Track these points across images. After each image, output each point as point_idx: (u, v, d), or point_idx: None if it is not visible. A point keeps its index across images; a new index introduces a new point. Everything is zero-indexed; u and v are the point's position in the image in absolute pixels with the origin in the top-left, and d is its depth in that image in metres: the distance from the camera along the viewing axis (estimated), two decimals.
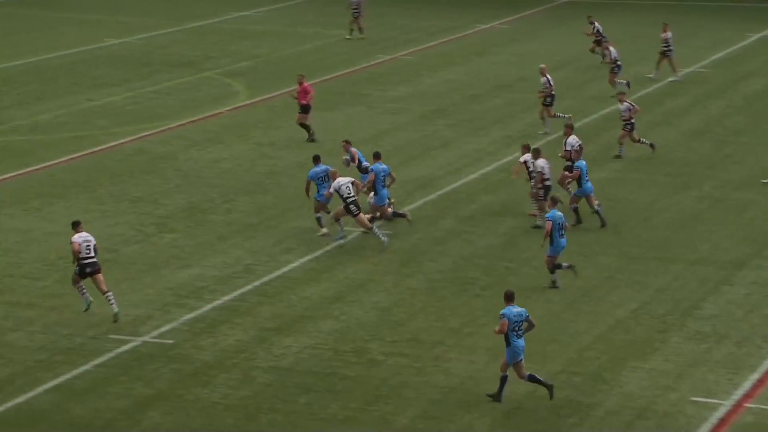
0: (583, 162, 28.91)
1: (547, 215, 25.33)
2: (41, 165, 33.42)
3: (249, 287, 25.25)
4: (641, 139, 34.48)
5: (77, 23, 54.36)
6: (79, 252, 23.22)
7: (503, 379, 20.28)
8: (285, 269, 26.28)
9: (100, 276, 23.39)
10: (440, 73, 45.58)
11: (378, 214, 28.27)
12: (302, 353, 22.24)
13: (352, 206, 27.11)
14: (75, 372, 21.29)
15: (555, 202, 25.50)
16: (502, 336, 20.09)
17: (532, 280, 25.76)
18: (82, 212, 29.48)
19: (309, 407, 20.27)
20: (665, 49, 43.12)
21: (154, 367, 21.59)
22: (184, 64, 46.19)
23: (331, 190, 27.41)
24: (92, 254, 23.34)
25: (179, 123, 37.68)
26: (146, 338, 22.70)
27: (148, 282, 25.43)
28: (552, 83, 36.34)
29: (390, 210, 28.68)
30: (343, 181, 27.29)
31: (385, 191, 28.17)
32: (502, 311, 20.25)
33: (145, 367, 21.59)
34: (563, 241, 24.98)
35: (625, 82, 41.06)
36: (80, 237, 23.37)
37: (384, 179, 28.06)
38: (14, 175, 32.42)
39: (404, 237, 28.28)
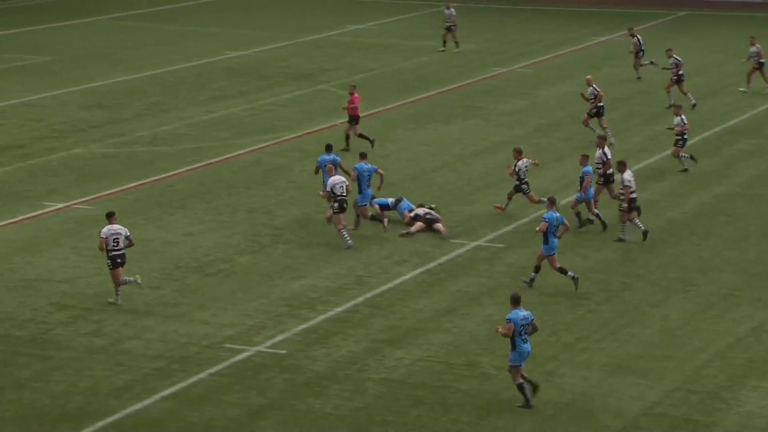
0: (590, 168, 29.13)
1: (544, 216, 25.67)
2: (161, 176, 34.00)
3: (361, 299, 25.34)
4: (684, 154, 33.83)
5: (199, 36, 55.24)
6: (107, 245, 24.28)
7: (520, 387, 20.32)
8: (397, 281, 26.32)
9: (121, 269, 24.46)
10: (557, 86, 45.29)
11: (358, 213, 29.10)
12: (414, 365, 22.23)
13: (336, 204, 27.95)
14: (190, 380, 21.58)
15: (552, 202, 25.88)
16: (601, 350, 19.85)
17: (648, 295, 25.41)
18: (199, 222, 29.93)
19: (420, 420, 20.26)
20: (758, 62, 42.48)
21: (268, 376, 21.78)
22: (300, 77, 46.64)
23: (328, 188, 28.16)
24: (120, 246, 24.36)
25: (295, 135, 38.02)
26: (260, 348, 22.92)
27: (262, 292, 25.68)
28: (599, 93, 36.31)
29: (371, 212, 29.31)
30: (337, 180, 28.13)
31: (368, 191, 28.99)
32: (509, 315, 20.38)
33: (259, 376, 21.79)
34: (556, 240, 25.49)
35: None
36: (109, 230, 24.45)
37: (369, 178, 28.94)
38: (136, 186, 33.03)
39: (517, 250, 28.13)
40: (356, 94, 36.54)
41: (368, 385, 21.51)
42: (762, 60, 42.60)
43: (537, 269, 25.79)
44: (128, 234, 24.69)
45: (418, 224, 29.21)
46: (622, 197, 28.63)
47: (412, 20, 60.12)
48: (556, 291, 25.72)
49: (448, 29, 51.24)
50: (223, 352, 22.71)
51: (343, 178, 28.56)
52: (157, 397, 20.95)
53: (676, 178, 33.83)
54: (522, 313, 20.39)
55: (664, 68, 42.13)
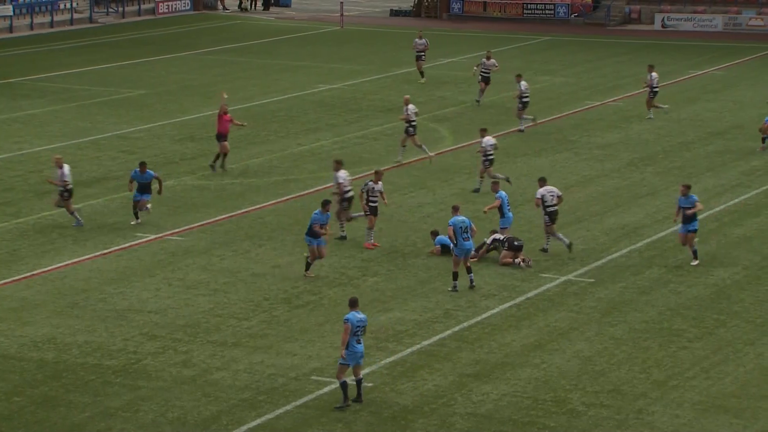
0: (504, 193, 29.90)
1: (449, 221, 27.12)
2: (251, 208, 34.20)
3: (448, 332, 25.16)
4: None
5: (290, 70, 55.68)
6: None
7: (343, 386, 21.29)
8: (485, 315, 26.10)
9: None
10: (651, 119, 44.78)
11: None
12: (501, 401, 21.97)
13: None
14: (277, 412, 21.56)
15: (456, 209, 27.52)
16: (693, 388, 19.46)
17: (743, 333, 24.88)
18: (288, 254, 30.01)
19: None
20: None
21: (354, 409, 21.67)
22: (390, 110, 46.71)
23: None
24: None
25: (384, 167, 38.03)
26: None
27: None
28: None
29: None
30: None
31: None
32: (346, 316, 21.22)
33: (345, 409, 21.67)
34: (468, 243, 26.92)
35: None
36: None
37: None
38: (226, 218, 33.25)
39: (608, 285, 27.76)
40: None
41: (454, 419, 21.29)
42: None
43: (455, 275, 27.05)
44: None
45: (505, 253, 28.94)
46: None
47: (505, 54, 59.99)
48: (647, 327, 25.29)
49: (418, 58, 51.53)
50: (310, 384, 22.66)
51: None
52: (243, 428, 20.95)
53: None
54: (359, 315, 21.29)
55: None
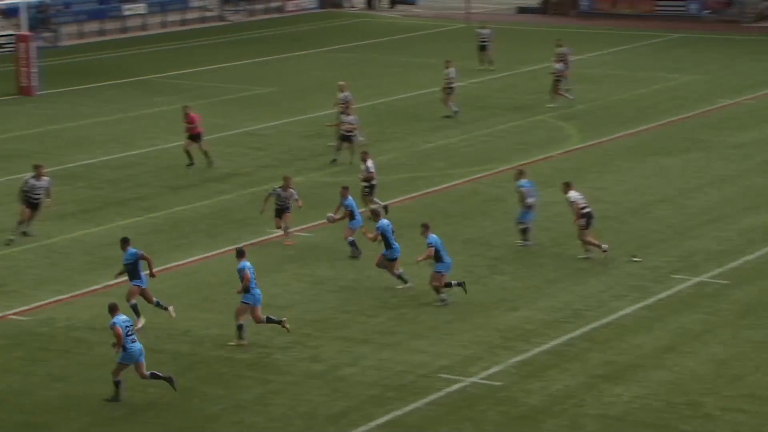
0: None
1: (377, 225, 27.16)
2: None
3: (578, 332, 24.91)
4: None
5: (418, 67, 55.68)
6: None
7: (117, 384, 21.59)
8: (615, 316, 25.78)
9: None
10: None
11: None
12: (633, 403, 21.67)
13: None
14: (406, 409, 21.58)
15: (376, 214, 27.80)
16: None
17: None
18: (416, 252, 29.99)
19: None
20: None
21: (482, 408, 21.60)
22: (517, 108, 46.46)
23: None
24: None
25: (511, 166, 37.81)
26: (475, 379, 22.76)
27: (478, 323, 25.54)
28: None
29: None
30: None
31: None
32: (112, 321, 21.58)
33: (474, 407, 21.63)
34: (397, 246, 27.10)
35: None
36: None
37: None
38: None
39: (744, 287, 27.20)
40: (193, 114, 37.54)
41: (585, 421, 21.07)
42: None
43: (399, 276, 27.00)
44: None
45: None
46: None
47: (632, 51, 59.24)
48: None
49: (483, 48, 53.13)
50: (438, 381, 22.64)
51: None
52: (372, 424, 21.02)
53: None
54: (122, 317, 21.77)
55: None
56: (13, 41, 51.73)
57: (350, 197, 30.04)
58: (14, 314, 25.71)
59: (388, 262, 27.30)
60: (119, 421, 21.05)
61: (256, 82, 52.31)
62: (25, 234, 30.56)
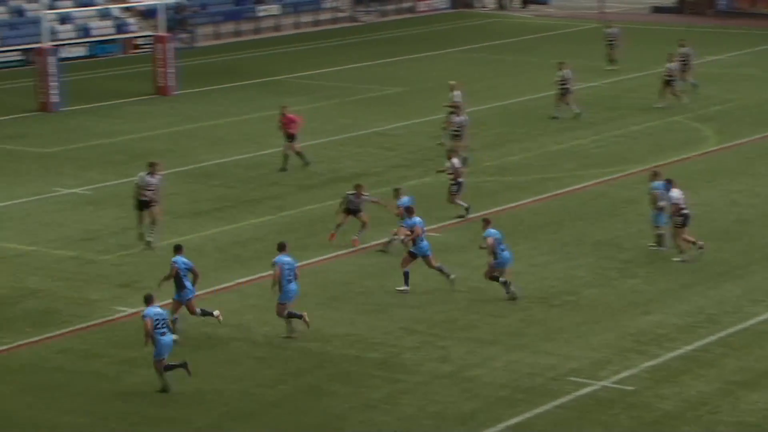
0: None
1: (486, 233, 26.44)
2: (508, 206, 34.13)
3: (713, 338, 24.42)
4: None
5: (549, 68, 55.05)
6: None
7: (164, 373, 21.81)
8: (752, 321, 25.21)
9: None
10: None
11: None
12: None
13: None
14: (535, 411, 21.41)
15: (486, 221, 26.90)
16: None
17: None
18: (545, 253, 29.79)
19: None
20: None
21: (614, 412, 21.31)
22: (651, 108, 45.75)
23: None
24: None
25: (644, 167, 37.25)
26: (605, 383, 22.47)
27: (608, 326, 25.22)
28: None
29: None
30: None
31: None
32: (144, 311, 21.75)
33: (605, 412, 21.35)
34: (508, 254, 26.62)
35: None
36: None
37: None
38: (482, 215, 33.20)
39: None
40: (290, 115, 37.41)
41: (720, 428, 20.65)
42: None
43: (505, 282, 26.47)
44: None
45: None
46: None
47: None
48: None
49: (611, 47, 53.26)
50: (568, 385, 22.41)
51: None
52: (501, 426, 20.90)
53: None
54: (156, 309, 21.90)
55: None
56: (151, 42, 52.80)
57: (405, 197, 29.75)
58: None
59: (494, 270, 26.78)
60: (250, 417, 21.30)
61: (386, 82, 52.48)
62: (143, 239, 29.95)
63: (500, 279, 26.61)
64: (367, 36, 65.77)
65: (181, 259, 24.25)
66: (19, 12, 58.86)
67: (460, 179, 32.78)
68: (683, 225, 28.71)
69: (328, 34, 66.01)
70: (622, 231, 31.38)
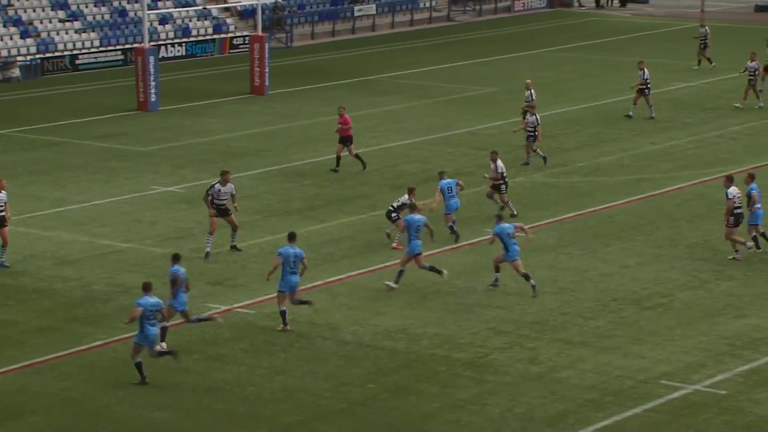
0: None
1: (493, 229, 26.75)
2: (601, 206, 33.77)
3: None
4: None
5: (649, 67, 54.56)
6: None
7: (138, 366, 21.96)
8: None
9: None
10: None
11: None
12: None
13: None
14: (625, 414, 21.14)
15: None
16: None
17: None
18: (637, 255, 29.43)
19: None
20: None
21: (706, 417, 20.96)
22: (750, 109, 44.93)
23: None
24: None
25: (742, 168, 36.61)
26: (698, 386, 22.12)
27: (702, 329, 24.82)
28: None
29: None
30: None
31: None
32: (138, 300, 21.82)
33: (697, 416, 21.01)
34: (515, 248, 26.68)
35: None
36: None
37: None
38: (575, 216, 32.99)
39: None
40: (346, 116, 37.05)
41: None
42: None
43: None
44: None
45: None
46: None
47: None
48: None
49: (703, 47, 52.65)
50: (659, 388, 22.09)
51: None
52: (590, 428, 20.67)
53: None
54: (152, 299, 21.83)
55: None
56: (248, 42, 53.24)
57: (446, 178, 30.88)
58: (240, 307, 26.39)
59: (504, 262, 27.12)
60: (338, 415, 21.34)
61: (480, 81, 52.29)
62: (234, 248, 29.91)
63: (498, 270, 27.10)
64: (462, 35, 65.60)
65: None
66: (121, 12, 59.77)
67: (501, 182, 32.39)
68: (735, 225, 28.49)
69: (424, 34, 65.97)
70: (718, 233, 30.84)
